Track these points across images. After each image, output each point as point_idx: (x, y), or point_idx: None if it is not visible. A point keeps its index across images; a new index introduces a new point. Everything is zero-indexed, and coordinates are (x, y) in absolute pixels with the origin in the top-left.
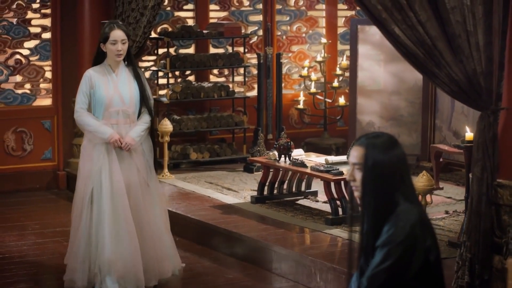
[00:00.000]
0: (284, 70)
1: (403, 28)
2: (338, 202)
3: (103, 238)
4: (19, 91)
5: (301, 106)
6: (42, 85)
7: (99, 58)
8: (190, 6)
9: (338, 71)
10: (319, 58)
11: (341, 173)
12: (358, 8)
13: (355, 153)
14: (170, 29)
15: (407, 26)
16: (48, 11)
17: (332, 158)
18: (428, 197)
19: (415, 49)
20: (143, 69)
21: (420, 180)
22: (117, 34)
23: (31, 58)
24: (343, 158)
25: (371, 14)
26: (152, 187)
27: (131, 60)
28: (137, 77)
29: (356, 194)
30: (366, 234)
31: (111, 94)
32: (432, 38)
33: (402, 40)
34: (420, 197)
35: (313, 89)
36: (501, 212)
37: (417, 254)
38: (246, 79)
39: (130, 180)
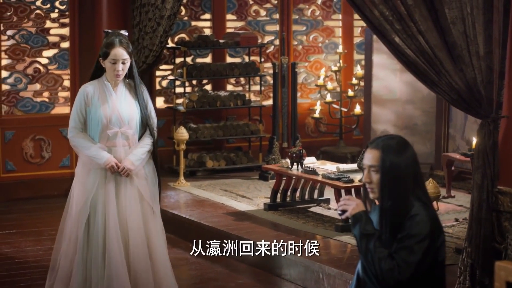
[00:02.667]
0: (300, 79)
1: (403, 38)
2: None
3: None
4: (38, 99)
5: (317, 115)
6: (60, 94)
7: (97, 72)
8: (207, 16)
9: (354, 81)
10: (335, 68)
11: (352, 181)
12: None
13: (371, 156)
14: (187, 39)
15: (407, 35)
16: (67, 20)
17: (344, 166)
18: (434, 204)
19: (416, 58)
20: (159, 79)
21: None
22: (118, 53)
23: (49, 67)
24: (354, 166)
25: (372, 23)
26: (157, 214)
27: (134, 76)
28: (140, 94)
29: (372, 195)
30: (383, 234)
31: (109, 113)
32: (432, 47)
33: (402, 49)
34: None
35: (329, 98)
36: (502, 218)
37: (431, 251)
38: (262, 88)
39: (131, 209)
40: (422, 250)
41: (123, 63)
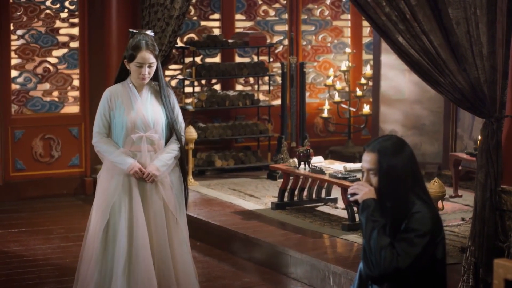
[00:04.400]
0: (309, 79)
1: (407, 38)
2: (355, 209)
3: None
4: (47, 99)
5: (325, 114)
6: (69, 93)
7: (122, 75)
8: (216, 15)
9: (363, 81)
10: (343, 68)
11: (358, 180)
12: None
13: (368, 159)
14: (196, 39)
15: (411, 35)
16: (76, 20)
17: (350, 166)
18: (440, 204)
19: (419, 58)
20: (169, 78)
21: (432, 187)
22: (145, 56)
23: (59, 67)
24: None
25: (375, 24)
26: (182, 224)
27: (159, 79)
28: (166, 98)
29: None
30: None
31: (133, 117)
32: (436, 47)
33: (406, 49)
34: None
35: (337, 98)
36: (505, 217)
37: (430, 247)
38: (271, 88)
39: (155, 219)
40: (422, 244)
41: (149, 66)
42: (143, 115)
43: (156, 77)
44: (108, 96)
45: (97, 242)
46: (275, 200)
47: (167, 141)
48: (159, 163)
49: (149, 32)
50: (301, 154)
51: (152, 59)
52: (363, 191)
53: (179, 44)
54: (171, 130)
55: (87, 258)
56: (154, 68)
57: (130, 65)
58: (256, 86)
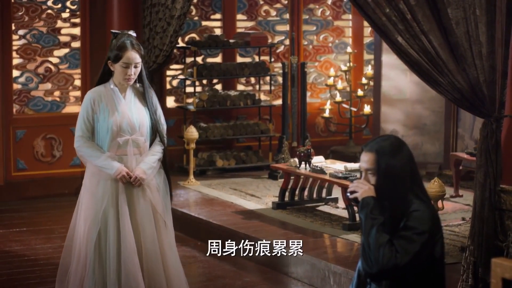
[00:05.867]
0: (310, 79)
1: (406, 38)
2: (355, 208)
3: None
4: (49, 99)
5: (327, 114)
6: (71, 93)
7: (105, 77)
8: (218, 15)
9: (364, 80)
10: (344, 68)
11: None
12: None
13: (366, 159)
14: (197, 38)
15: (410, 35)
16: (78, 20)
17: (351, 165)
18: (439, 203)
19: (419, 58)
20: (170, 78)
21: (432, 187)
22: (131, 56)
23: (60, 66)
24: None
25: (375, 24)
26: (169, 225)
27: (143, 80)
28: (149, 99)
29: None
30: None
31: (119, 120)
32: (435, 47)
33: (405, 49)
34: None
35: (338, 98)
36: (504, 217)
37: (429, 245)
38: (272, 87)
39: (144, 223)
40: (421, 242)
41: (135, 66)
42: (128, 117)
43: (139, 79)
44: (91, 98)
45: (90, 251)
46: (276, 199)
47: (150, 143)
48: (145, 166)
49: (132, 33)
50: (302, 154)
51: (138, 58)
52: (363, 189)
53: (181, 44)
54: (155, 132)
55: (79, 261)
56: (139, 69)
57: (115, 66)
58: (257, 86)
